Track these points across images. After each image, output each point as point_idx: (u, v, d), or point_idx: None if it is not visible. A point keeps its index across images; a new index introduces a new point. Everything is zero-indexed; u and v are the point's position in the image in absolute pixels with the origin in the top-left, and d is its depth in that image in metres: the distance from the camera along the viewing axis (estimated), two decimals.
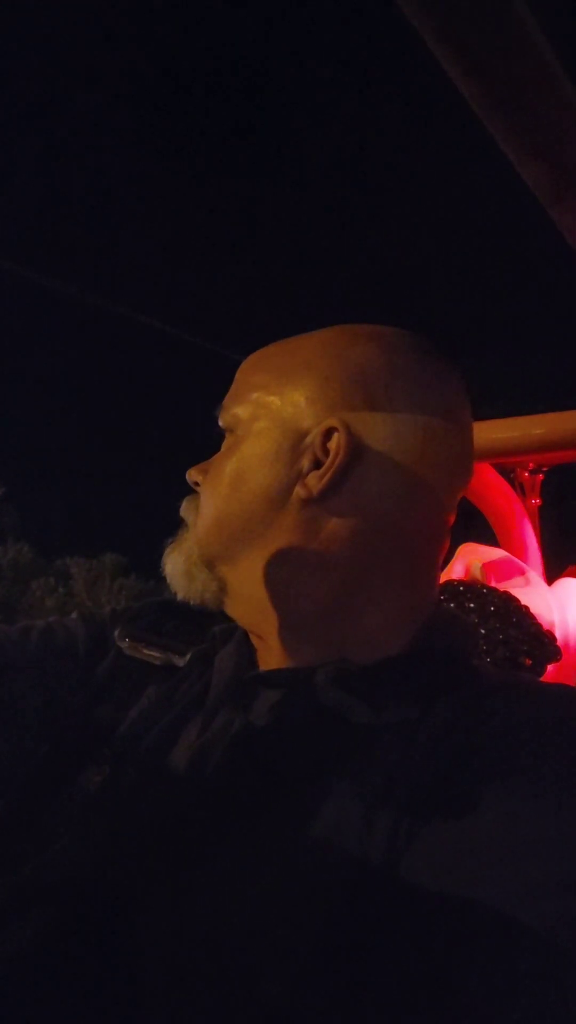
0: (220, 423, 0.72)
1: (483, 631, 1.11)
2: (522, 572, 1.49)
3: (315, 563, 0.65)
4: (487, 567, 1.45)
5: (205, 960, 0.55)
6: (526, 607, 1.18)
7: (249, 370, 0.73)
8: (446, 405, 0.68)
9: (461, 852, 0.52)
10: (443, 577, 1.32)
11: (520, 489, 2.03)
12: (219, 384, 0.78)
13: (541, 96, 0.60)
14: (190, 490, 0.75)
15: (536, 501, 2.04)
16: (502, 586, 1.35)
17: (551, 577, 1.75)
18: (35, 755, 0.73)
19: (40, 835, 0.66)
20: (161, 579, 0.78)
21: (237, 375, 0.74)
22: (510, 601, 1.17)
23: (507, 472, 2.03)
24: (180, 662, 0.75)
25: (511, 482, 2.03)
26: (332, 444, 0.64)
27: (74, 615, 0.84)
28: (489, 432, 1.79)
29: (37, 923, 0.61)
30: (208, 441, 0.77)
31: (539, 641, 1.13)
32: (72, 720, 0.75)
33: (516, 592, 1.22)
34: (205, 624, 0.78)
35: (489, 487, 1.96)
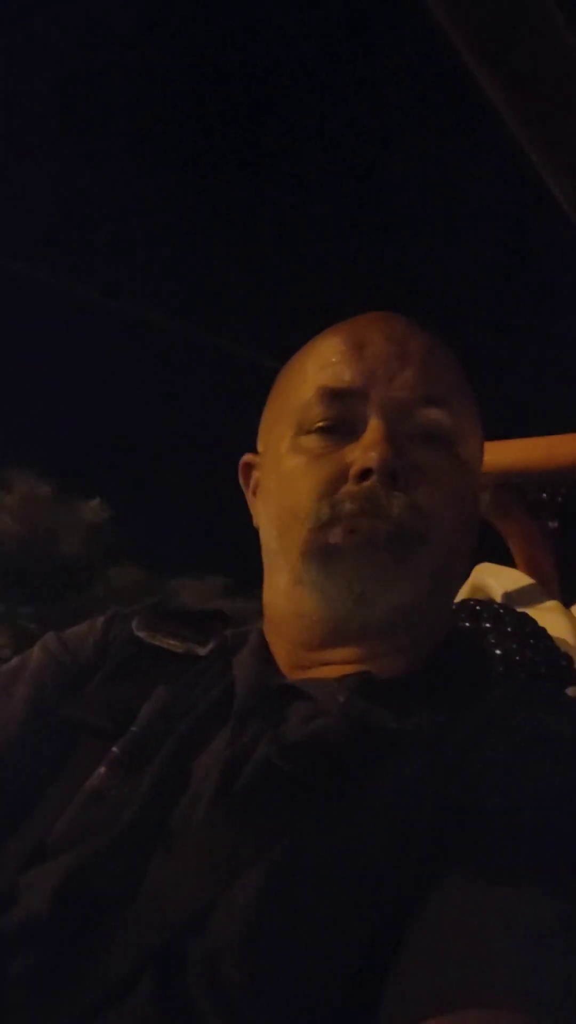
0: (444, 417, 0.72)
1: (500, 652, 1.09)
2: (540, 593, 1.47)
3: None
4: (504, 587, 1.44)
5: (246, 974, 0.53)
6: (544, 628, 1.16)
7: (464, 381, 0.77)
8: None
9: (487, 870, 0.51)
10: (459, 596, 1.31)
11: (537, 510, 2.01)
12: None
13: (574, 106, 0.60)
14: None
15: (554, 523, 2.02)
16: (519, 607, 1.34)
17: (568, 599, 1.73)
18: (33, 767, 0.72)
19: (44, 839, 0.65)
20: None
21: (451, 373, 0.75)
22: (527, 622, 1.16)
23: (524, 493, 2.01)
24: (202, 651, 0.75)
25: (528, 503, 2.01)
26: None
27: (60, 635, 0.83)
28: (507, 453, 1.78)
29: (29, 931, 0.59)
30: None
31: (557, 663, 1.12)
32: (66, 721, 0.74)
33: (533, 613, 1.21)
34: (205, 626, 0.78)
35: (506, 508, 1.94)
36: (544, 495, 2.15)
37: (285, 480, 0.71)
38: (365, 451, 0.67)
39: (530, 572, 1.80)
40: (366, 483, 0.67)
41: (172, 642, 0.77)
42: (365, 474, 0.67)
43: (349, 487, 0.68)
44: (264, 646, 0.74)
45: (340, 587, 0.67)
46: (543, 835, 0.53)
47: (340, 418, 0.70)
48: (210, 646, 0.76)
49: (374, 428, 0.68)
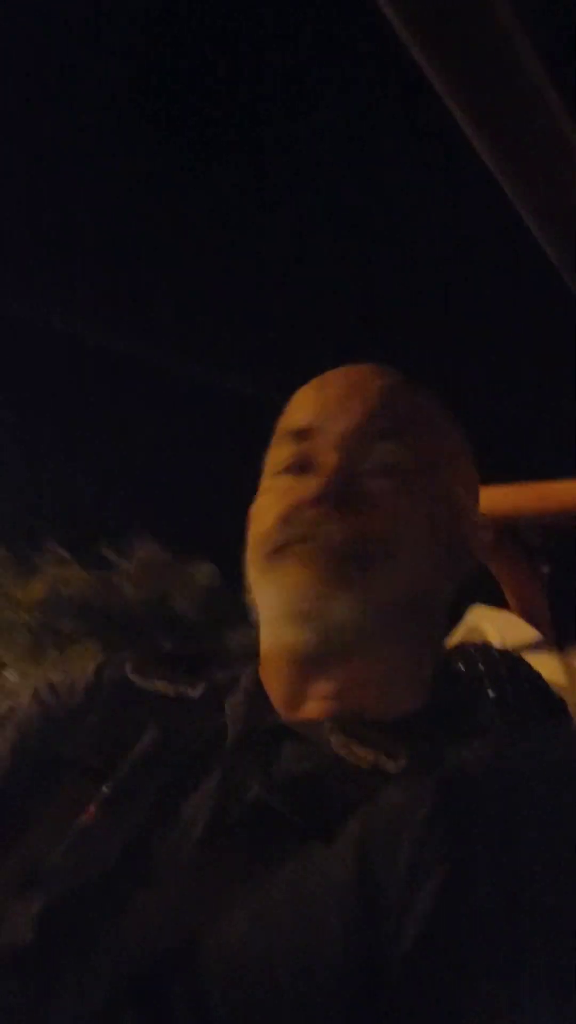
0: (399, 449, 0.74)
1: (494, 694, 1.09)
2: (533, 637, 1.48)
3: None
4: (499, 630, 1.44)
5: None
6: (537, 672, 1.16)
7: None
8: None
9: (482, 911, 0.52)
10: (453, 640, 1.32)
11: (531, 554, 2.02)
12: None
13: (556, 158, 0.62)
14: None
15: (547, 567, 2.03)
16: (513, 650, 1.34)
17: (561, 643, 1.73)
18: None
19: (33, 873, 0.65)
20: None
21: (411, 408, 0.78)
22: (522, 665, 1.16)
23: (519, 537, 2.02)
24: (193, 693, 0.75)
25: (523, 547, 2.02)
26: None
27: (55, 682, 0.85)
28: (503, 498, 1.80)
29: (11, 957, 0.59)
30: None
31: (551, 706, 1.12)
32: (57, 760, 0.74)
33: (527, 656, 1.21)
34: (198, 669, 0.79)
35: (501, 551, 1.95)
36: (538, 540, 2.16)
37: (253, 519, 0.76)
38: (316, 480, 0.70)
39: (524, 615, 1.81)
40: (313, 511, 0.69)
41: (163, 685, 0.77)
42: (313, 503, 0.69)
43: (301, 515, 0.70)
44: (257, 686, 0.75)
45: (282, 606, 0.71)
46: (541, 878, 0.53)
47: (301, 457, 0.74)
48: (201, 688, 0.76)
49: (325, 459, 0.71)
